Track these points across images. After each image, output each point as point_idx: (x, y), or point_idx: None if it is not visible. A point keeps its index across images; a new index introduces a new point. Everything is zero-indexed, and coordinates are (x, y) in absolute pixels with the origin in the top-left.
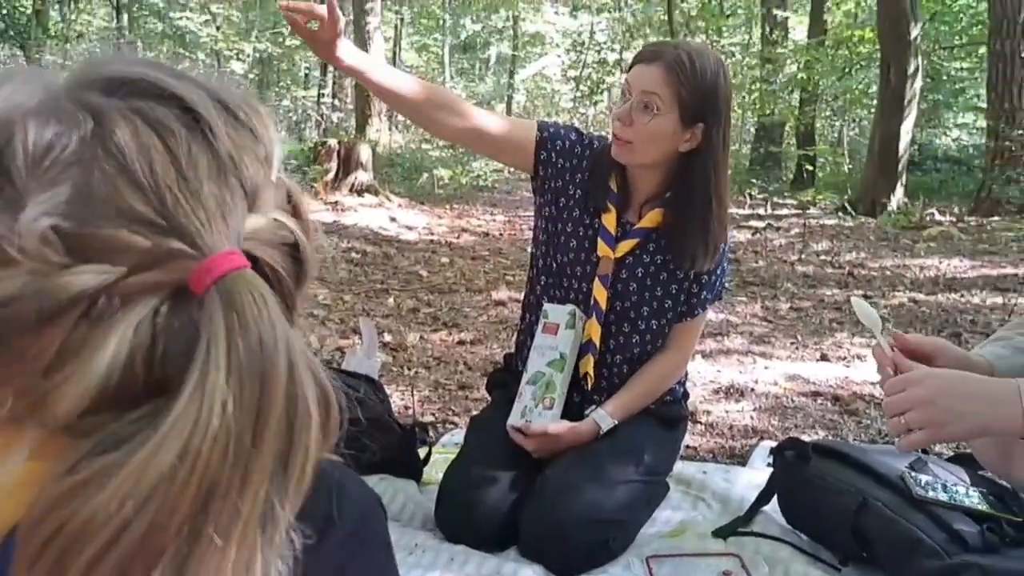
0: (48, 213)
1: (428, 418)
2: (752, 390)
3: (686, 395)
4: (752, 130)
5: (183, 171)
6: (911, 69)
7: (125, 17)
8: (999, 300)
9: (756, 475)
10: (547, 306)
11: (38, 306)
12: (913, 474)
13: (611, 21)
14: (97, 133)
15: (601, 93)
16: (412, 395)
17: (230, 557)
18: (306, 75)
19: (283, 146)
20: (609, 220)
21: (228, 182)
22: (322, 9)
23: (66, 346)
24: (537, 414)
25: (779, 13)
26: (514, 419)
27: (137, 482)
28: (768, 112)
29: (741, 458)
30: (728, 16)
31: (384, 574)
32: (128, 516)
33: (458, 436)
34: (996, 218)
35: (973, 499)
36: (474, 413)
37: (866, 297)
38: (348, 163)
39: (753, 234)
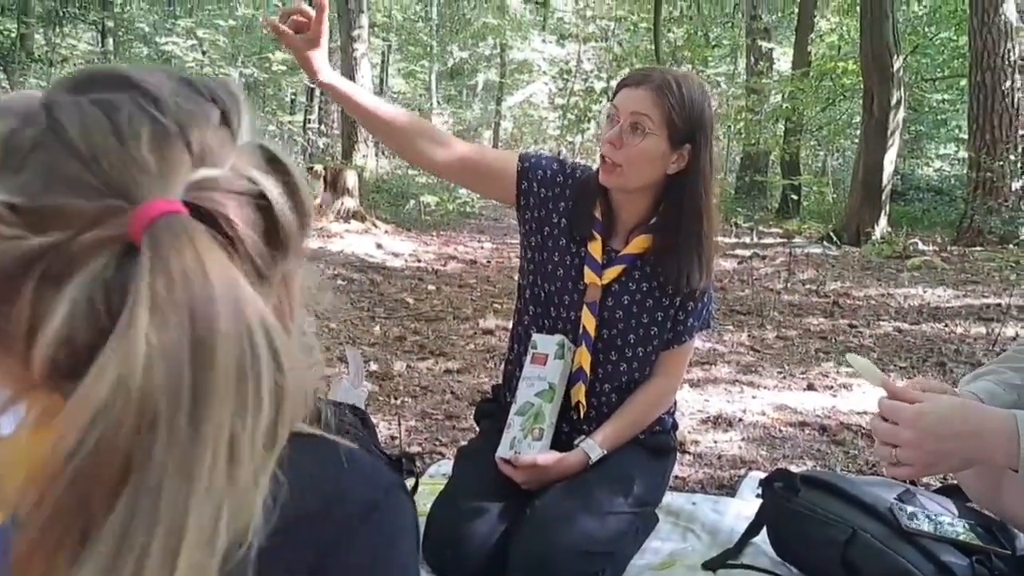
0: (5, 193)
1: (415, 448)
2: (740, 420)
3: (675, 426)
4: (738, 159)
5: (124, 140)
6: (894, 100)
7: (111, 41)
8: (982, 330)
9: (745, 506)
10: (536, 336)
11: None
12: (901, 506)
13: (598, 50)
14: (49, 123)
15: (588, 121)
16: (399, 425)
17: (199, 492)
18: (292, 100)
19: (252, 115)
20: (595, 248)
21: (172, 145)
22: (311, 9)
23: (36, 307)
24: (526, 445)
25: (764, 44)
26: (503, 451)
27: (78, 415)
28: (753, 142)
29: (730, 489)
30: (714, 47)
31: (384, 570)
32: (72, 447)
33: (445, 467)
34: (978, 248)
35: (959, 531)
36: (462, 443)
37: (851, 327)
38: (334, 189)
39: (739, 263)
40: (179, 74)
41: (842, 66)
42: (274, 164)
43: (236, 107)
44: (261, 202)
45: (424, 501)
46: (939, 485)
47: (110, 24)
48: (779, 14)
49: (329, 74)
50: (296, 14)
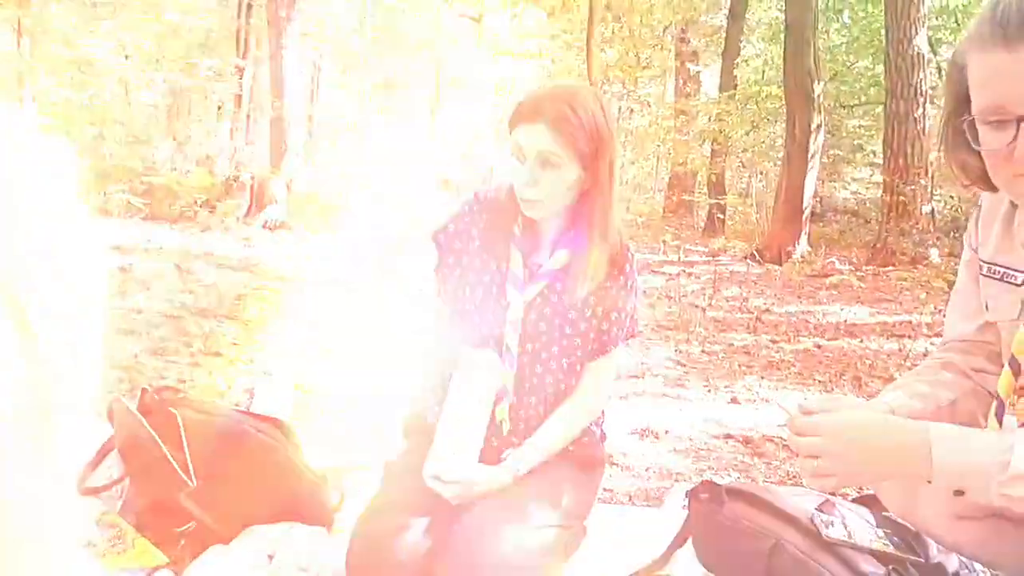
0: None
1: (341, 463)
2: (667, 432)
3: (604, 437)
4: (666, 179)
5: None
6: (814, 124)
7: (27, 41)
8: (895, 346)
9: (671, 518)
10: (461, 352)
11: None
12: (822, 516)
13: (532, 67)
14: None
15: None
16: (325, 439)
17: None
18: (219, 108)
19: None
20: (516, 264)
21: None
22: None
23: None
24: (454, 460)
25: (692, 67)
26: (430, 467)
27: None
28: (681, 162)
29: (657, 500)
30: (644, 68)
31: None
32: None
33: (372, 482)
34: (891, 268)
35: (872, 539)
36: (388, 459)
37: (773, 342)
38: (261, 198)
39: (667, 280)
40: None
41: (766, 90)
42: None
43: None
44: None
45: (349, 518)
46: (856, 495)
47: (27, 23)
48: (707, 38)
49: None
50: None
